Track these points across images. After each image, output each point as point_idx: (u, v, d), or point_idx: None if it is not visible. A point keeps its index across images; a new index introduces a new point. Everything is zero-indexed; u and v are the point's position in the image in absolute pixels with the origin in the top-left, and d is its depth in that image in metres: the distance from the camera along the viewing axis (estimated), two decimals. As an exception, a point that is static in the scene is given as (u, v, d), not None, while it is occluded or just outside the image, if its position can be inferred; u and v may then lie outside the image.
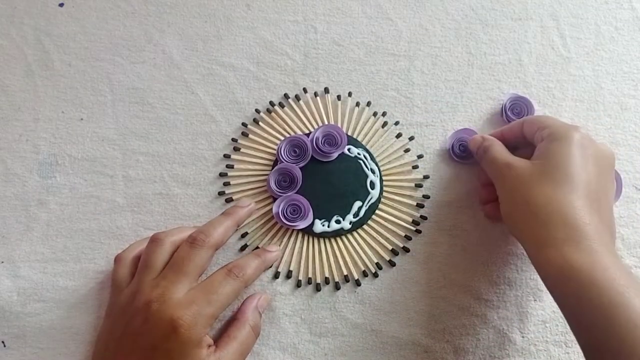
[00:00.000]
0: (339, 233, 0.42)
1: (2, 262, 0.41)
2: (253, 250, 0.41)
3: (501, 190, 0.38)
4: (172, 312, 0.33)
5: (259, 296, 0.40)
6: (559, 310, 0.41)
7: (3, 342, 0.39)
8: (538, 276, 0.41)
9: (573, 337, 0.40)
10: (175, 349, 0.32)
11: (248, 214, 0.41)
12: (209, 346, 0.34)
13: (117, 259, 0.39)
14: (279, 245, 0.41)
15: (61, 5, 0.46)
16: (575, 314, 0.32)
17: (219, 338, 0.36)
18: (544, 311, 0.41)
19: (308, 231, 0.41)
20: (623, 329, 0.29)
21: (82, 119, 0.44)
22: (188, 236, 0.37)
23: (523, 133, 0.40)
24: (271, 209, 0.41)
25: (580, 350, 0.40)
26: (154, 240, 0.37)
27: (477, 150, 0.41)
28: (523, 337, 0.41)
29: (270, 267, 0.41)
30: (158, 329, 0.32)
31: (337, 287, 0.41)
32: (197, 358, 0.33)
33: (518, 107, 0.45)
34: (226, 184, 0.43)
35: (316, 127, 0.44)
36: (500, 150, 0.39)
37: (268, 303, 0.40)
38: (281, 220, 0.41)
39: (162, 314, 0.33)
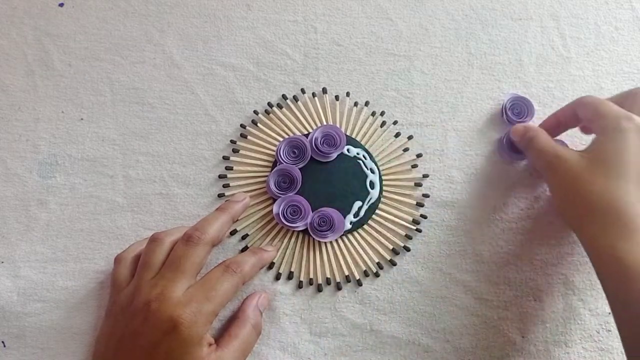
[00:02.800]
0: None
1: (2, 262, 0.41)
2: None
3: (551, 181, 0.38)
4: (171, 310, 0.33)
5: (259, 295, 0.40)
6: (559, 310, 0.41)
7: (3, 342, 0.39)
8: (538, 276, 0.42)
9: (573, 337, 0.41)
10: (176, 348, 0.32)
11: (243, 209, 0.41)
12: (210, 344, 0.34)
13: (117, 259, 0.39)
14: (280, 246, 0.41)
15: (61, 5, 0.47)
16: (624, 309, 0.32)
17: (220, 337, 0.36)
18: (543, 311, 0.41)
19: (308, 232, 0.41)
20: None
21: (82, 119, 0.44)
22: (183, 234, 0.37)
23: (577, 114, 0.39)
24: (271, 210, 0.41)
25: (580, 351, 0.41)
26: (154, 240, 0.37)
27: (521, 141, 0.41)
28: (523, 337, 0.41)
29: (271, 268, 0.41)
30: (158, 328, 0.32)
31: (338, 287, 0.41)
32: (198, 356, 0.33)
33: (518, 107, 0.45)
34: (226, 186, 0.43)
35: (315, 127, 0.44)
36: (546, 141, 0.39)
37: (268, 301, 0.40)
38: (281, 221, 0.41)
39: (162, 313, 0.33)
